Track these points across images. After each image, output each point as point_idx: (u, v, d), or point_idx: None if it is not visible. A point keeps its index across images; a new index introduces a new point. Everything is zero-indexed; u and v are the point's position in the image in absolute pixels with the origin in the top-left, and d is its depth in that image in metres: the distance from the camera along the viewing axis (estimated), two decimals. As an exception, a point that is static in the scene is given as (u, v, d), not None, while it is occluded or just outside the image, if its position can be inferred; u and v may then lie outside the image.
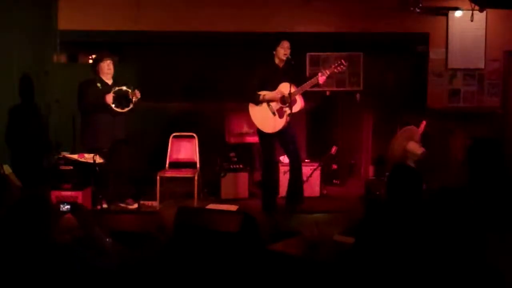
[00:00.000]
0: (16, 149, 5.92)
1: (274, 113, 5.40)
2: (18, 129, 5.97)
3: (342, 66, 5.28)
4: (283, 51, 5.41)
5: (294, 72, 5.38)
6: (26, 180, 5.37)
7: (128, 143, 5.87)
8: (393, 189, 3.09)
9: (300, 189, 5.62)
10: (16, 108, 5.98)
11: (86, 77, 5.79)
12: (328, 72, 5.24)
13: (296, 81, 5.31)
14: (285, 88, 5.32)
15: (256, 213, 4.14)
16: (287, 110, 5.31)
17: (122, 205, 5.85)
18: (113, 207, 5.77)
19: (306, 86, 5.30)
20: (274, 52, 5.47)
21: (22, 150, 5.96)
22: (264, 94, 5.41)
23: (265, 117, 5.47)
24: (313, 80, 5.27)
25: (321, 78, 5.24)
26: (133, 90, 5.61)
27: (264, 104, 5.43)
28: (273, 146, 5.56)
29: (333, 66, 5.30)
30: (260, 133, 5.57)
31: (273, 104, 5.40)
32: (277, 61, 5.48)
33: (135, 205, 5.86)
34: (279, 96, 5.35)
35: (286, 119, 5.34)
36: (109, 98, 5.53)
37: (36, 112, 6.32)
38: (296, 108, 5.33)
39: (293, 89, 5.22)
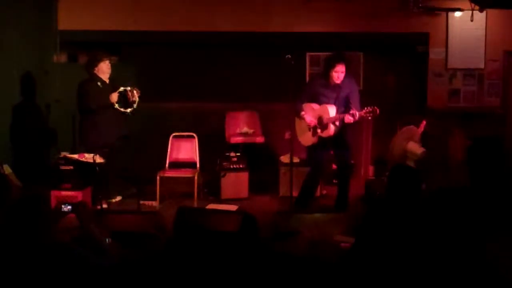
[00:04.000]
0: (17, 148, 5.92)
1: (309, 129, 5.52)
2: (18, 129, 5.97)
3: (374, 114, 5.07)
4: (336, 75, 5.35)
5: (346, 94, 5.39)
6: (26, 180, 5.38)
7: (127, 140, 5.90)
8: (392, 188, 3.09)
9: (345, 195, 5.66)
10: (16, 108, 5.98)
11: (86, 77, 5.79)
12: (357, 117, 5.13)
13: (345, 103, 5.37)
14: (325, 110, 5.37)
15: (256, 213, 4.13)
16: (319, 132, 5.43)
17: (113, 200, 5.93)
18: (112, 206, 5.80)
19: (335, 118, 5.32)
20: (329, 73, 5.39)
21: (22, 149, 5.96)
22: (304, 115, 5.48)
23: (303, 130, 5.64)
24: (341, 116, 5.25)
25: (348, 119, 5.19)
26: (132, 92, 5.65)
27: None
28: (317, 153, 5.61)
29: (364, 111, 5.10)
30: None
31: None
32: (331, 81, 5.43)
33: (118, 198, 5.98)
34: (312, 125, 5.45)
35: (315, 138, 5.47)
36: (114, 97, 5.57)
37: (36, 111, 6.32)
38: (326, 133, 5.40)
39: (331, 115, 5.28)
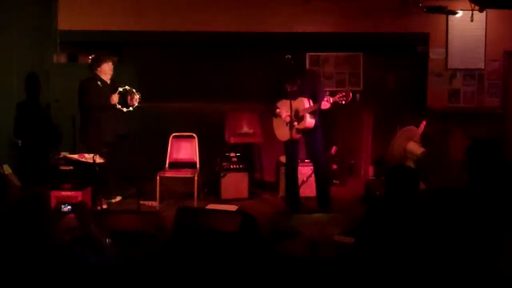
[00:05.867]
0: (17, 148, 5.92)
1: (286, 124, 5.52)
2: (18, 129, 5.97)
3: (346, 99, 5.17)
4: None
5: (313, 86, 5.47)
6: (26, 180, 5.38)
7: (128, 137, 5.92)
8: (391, 188, 3.10)
9: (323, 192, 5.68)
10: (16, 108, 5.98)
11: (86, 77, 5.80)
12: (331, 101, 5.21)
13: (312, 97, 5.41)
14: (300, 103, 5.42)
15: (256, 213, 4.13)
16: (296, 125, 5.45)
17: (113, 200, 5.92)
18: (112, 206, 5.80)
19: (311, 108, 5.37)
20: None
21: (22, 149, 5.96)
22: (279, 111, 5.56)
23: (280, 126, 5.67)
24: (316, 105, 5.31)
25: (324, 105, 5.25)
26: (132, 94, 5.66)
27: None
28: (290, 152, 5.65)
29: (338, 96, 5.19)
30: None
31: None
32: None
33: (118, 198, 5.98)
34: (287, 121, 5.46)
35: (294, 131, 5.47)
36: (115, 98, 5.62)
37: (37, 111, 6.32)
38: (303, 125, 5.42)
39: (305, 106, 5.35)
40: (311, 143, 5.62)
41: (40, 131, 6.27)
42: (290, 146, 5.64)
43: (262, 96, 5.78)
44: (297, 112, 5.44)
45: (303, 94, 5.43)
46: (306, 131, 5.50)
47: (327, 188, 5.73)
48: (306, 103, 5.38)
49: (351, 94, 5.17)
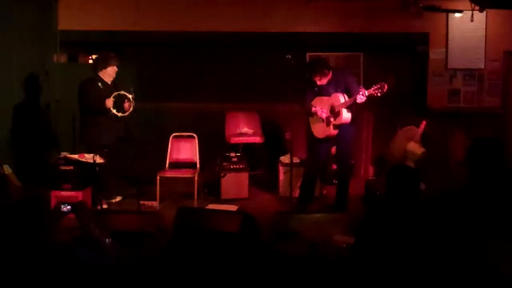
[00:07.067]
0: (17, 149, 5.92)
1: (323, 121, 5.51)
2: (19, 129, 5.97)
3: (382, 90, 5.11)
4: (317, 81, 5.48)
5: (345, 81, 5.45)
6: (26, 180, 5.38)
7: (128, 140, 5.90)
8: (391, 188, 3.10)
9: (343, 195, 5.67)
10: (16, 108, 5.98)
11: (86, 77, 5.79)
12: (367, 94, 5.14)
13: (346, 92, 5.39)
14: (335, 98, 5.41)
15: (256, 213, 4.13)
16: (333, 121, 5.43)
17: (113, 200, 5.92)
18: (112, 206, 5.80)
19: (346, 103, 5.32)
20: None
21: (22, 149, 5.96)
22: (315, 109, 5.52)
23: (316, 124, 5.62)
24: (351, 99, 5.26)
25: (360, 99, 5.17)
26: (132, 99, 5.62)
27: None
28: (319, 151, 5.67)
29: (373, 88, 5.14)
30: (311, 137, 5.74)
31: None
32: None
33: (118, 198, 5.98)
34: (325, 116, 5.47)
35: (331, 127, 5.47)
36: (109, 103, 5.55)
37: (37, 112, 6.32)
38: (339, 120, 5.39)
39: (341, 101, 5.33)
40: (341, 139, 5.54)
41: (38, 135, 6.26)
42: (321, 145, 5.62)
43: (296, 98, 5.63)
44: (332, 108, 5.43)
45: (337, 90, 5.41)
46: (342, 128, 5.45)
47: (347, 191, 5.73)
48: (341, 98, 5.35)
49: (386, 86, 5.09)
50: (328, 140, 5.59)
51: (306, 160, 6.18)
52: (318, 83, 5.44)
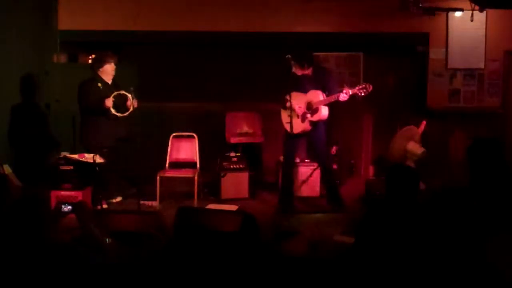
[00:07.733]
0: (17, 149, 5.91)
1: (298, 116, 5.54)
2: (19, 129, 5.97)
3: (366, 91, 5.17)
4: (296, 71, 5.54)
5: (324, 79, 5.51)
6: (26, 180, 5.37)
7: (128, 141, 5.90)
8: (391, 188, 3.10)
9: (333, 190, 5.70)
10: (16, 108, 5.98)
11: (86, 77, 5.79)
12: (350, 93, 5.19)
13: (326, 90, 5.44)
14: (313, 95, 5.45)
15: (256, 213, 4.13)
16: (309, 116, 5.46)
17: (113, 200, 5.92)
18: (112, 206, 5.80)
19: (327, 100, 5.38)
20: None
21: (23, 150, 5.95)
22: (290, 104, 5.50)
23: (289, 118, 5.60)
24: (333, 97, 5.31)
25: (342, 97, 5.22)
26: (132, 98, 5.61)
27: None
28: (293, 148, 5.71)
29: (357, 88, 5.19)
30: (286, 134, 5.73)
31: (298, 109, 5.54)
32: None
33: (118, 198, 5.98)
34: (301, 112, 5.50)
35: (307, 123, 5.50)
36: (109, 102, 5.55)
37: (36, 111, 6.31)
38: (317, 117, 5.45)
39: (320, 98, 5.37)
40: (316, 139, 5.62)
41: (37, 135, 6.25)
42: (292, 142, 5.64)
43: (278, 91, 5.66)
44: (309, 104, 5.45)
45: (316, 87, 5.44)
46: (317, 125, 5.51)
47: (336, 185, 5.73)
48: (320, 95, 5.40)
49: (371, 87, 5.15)
50: (301, 136, 5.61)
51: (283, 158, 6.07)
52: (293, 70, 5.46)
